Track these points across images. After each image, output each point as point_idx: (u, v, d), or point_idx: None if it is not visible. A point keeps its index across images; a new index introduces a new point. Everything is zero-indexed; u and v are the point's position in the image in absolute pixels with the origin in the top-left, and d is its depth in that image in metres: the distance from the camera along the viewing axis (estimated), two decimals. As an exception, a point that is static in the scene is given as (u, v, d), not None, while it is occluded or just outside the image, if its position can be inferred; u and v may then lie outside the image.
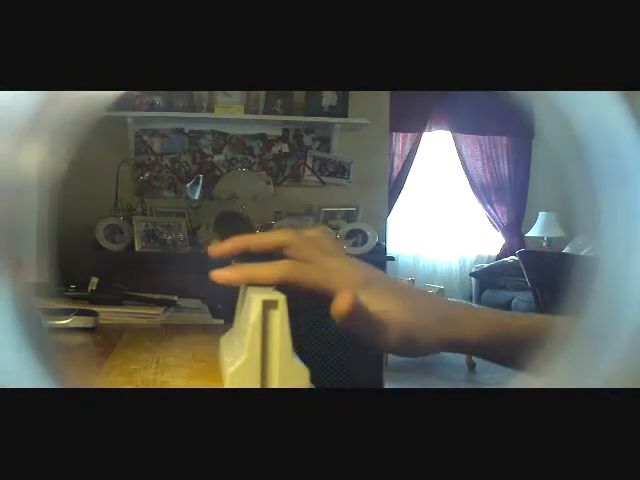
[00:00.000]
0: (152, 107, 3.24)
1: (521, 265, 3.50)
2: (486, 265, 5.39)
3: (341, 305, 0.43)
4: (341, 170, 3.46)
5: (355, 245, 3.12)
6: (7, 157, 0.29)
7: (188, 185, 3.32)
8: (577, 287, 0.31)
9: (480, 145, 5.50)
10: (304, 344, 2.88)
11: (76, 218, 2.82)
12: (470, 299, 5.24)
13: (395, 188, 5.29)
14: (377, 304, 0.46)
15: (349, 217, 3.34)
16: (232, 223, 0.65)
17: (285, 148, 3.46)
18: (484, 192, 5.53)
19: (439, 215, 5.68)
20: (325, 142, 3.46)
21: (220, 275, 0.45)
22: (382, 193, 3.61)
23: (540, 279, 3.23)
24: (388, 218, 3.92)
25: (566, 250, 4.66)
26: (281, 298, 0.54)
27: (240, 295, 0.69)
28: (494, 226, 5.60)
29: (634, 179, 0.30)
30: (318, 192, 3.44)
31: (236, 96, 3.28)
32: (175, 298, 1.32)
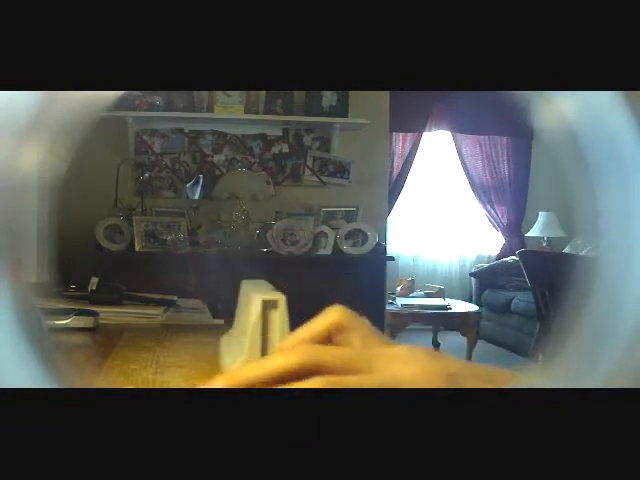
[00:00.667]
0: (152, 107, 3.24)
1: (521, 265, 3.50)
2: (486, 265, 5.39)
3: None
4: (341, 170, 3.46)
5: (355, 245, 3.12)
6: (7, 157, 0.29)
7: (188, 185, 3.33)
8: (577, 287, 0.31)
9: (480, 145, 5.50)
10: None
11: (76, 218, 2.82)
12: (470, 299, 5.25)
13: (395, 188, 5.29)
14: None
15: (349, 217, 3.34)
16: None
17: (285, 148, 3.46)
18: (484, 192, 5.54)
19: (439, 215, 5.68)
20: (325, 142, 3.46)
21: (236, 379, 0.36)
22: (382, 193, 3.61)
23: (540, 279, 3.24)
24: (388, 218, 3.92)
25: (566, 250, 4.67)
26: (281, 298, 0.54)
27: (240, 295, 0.69)
28: (494, 226, 5.60)
29: (634, 179, 0.30)
30: (318, 192, 3.44)
31: (236, 96, 3.28)
32: (175, 298, 1.32)
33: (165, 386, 0.63)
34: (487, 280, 5.18)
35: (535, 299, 3.26)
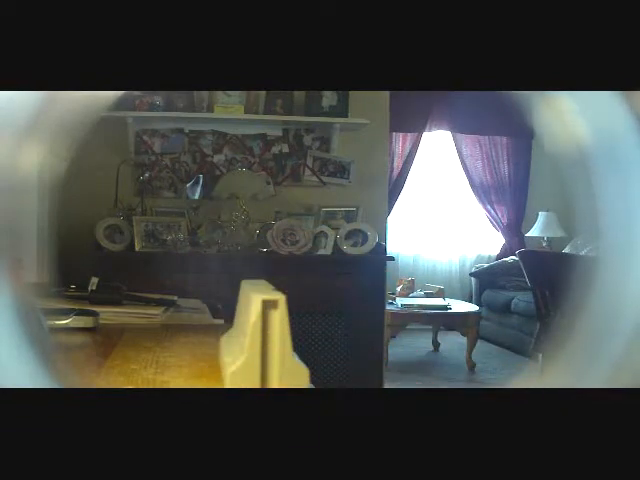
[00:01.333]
0: (152, 107, 3.23)
1: (521, 265, 3.50)
2: (486, 265, 5.39)
3: None
4: (341, 170, 3.46)
5: (355, 245, 3.12)
6: (7, 157, 0.29)
7: (188, 185, 3.32)
8: (577, 287, 0.31)
9: (480, 145, 5.50)
10: (304, 343, 2.88)
11: (76, 218, 2.82)
12: (470, 299, 5.25)
13: (395, 188, 5.29)
14: None
15: (349, 217, 3.34)
16: None
17: (285, 148, 3.46)
18: (484, 192, 5.54)
19: (439, 215, 5.68)
20: (325, 142, 3.46)
21: None
22: (382, 193, 3.61)
23: (540, 279, 3.23)
24: (388, 218, 3.92)
25: (566, 250, 4.67)
26: (281, 298, 0.54)
27: (240, 295, 0.69)
28: (494, 226, 5.60)
29: (634, 179, 0.30)
30: (318, 192, 3.44)
31: (236, 96, 3.28)
32: (175, 298, 1.32)
33: (165, 386, 0.63)
34: (487, 280, 5.18)
35: (535, 299, 3.26)
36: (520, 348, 4.40)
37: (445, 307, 4.21)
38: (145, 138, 3.35)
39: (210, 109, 3.30)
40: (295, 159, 3.46)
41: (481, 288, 5.22)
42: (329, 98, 3.33)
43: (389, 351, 4.07)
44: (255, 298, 0.55)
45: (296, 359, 0.54)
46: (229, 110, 3.29)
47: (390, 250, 3.68)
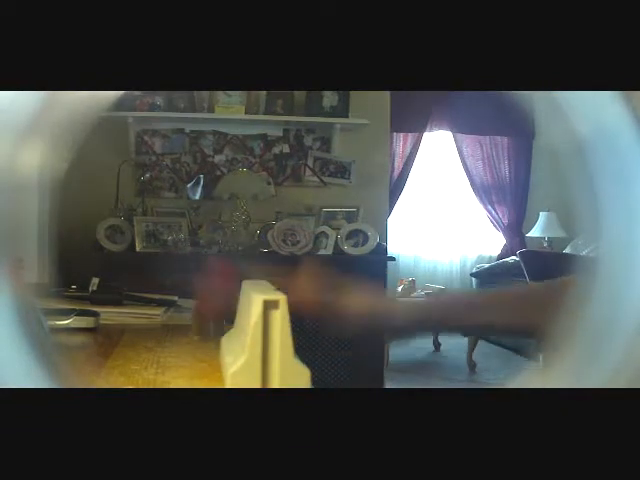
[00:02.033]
0: (153, 107, 3.24)
1: (522, 265, 3.49)
2: (487, 265, 5.39)
3: None
4: (342, 170, 3.46)
5: (356, 245, 3.12)
6: (8, 157, 0.29)
7: (189, 185, 3.32)
8: (577, 287, 0.31)
9: (481, 145, 5.50)
10: (305, 344, 2.87)
11: (77, 218, 2.82)
12: (471, 299, 5.23)
13: (396, 188, 5.29)
14: None
15: (350, 217, 3.33)
16: None
17: (286, 148, 3.46)
18: (485, 192, 5.53)
19: (440, 215, 5.68)
20: (326, 142, 3.46)
21: None
22: (383, 193, 3.61)
23: (541, 279, 3.23)
24: (389, 218, 3.92)
25: (567, 250, 4.66)
26: (282, 298, 0.54)
27: (241, 295, 0.69)
28: (495, 226, 5.60)
29: (634, 179, 0.30)
30: (319, 192, 3.44)
31: (237, 96, 3.28)
32: (175, 298, 1.32)
33: (166, 386, 0.63)
34: (488, 280, 5.17)
35: (536, 299, 3.25)
36: (520, 348, 4.40)
37: (446, 307, 4.19)
38: (146, 138, 3.35)
39: (211, 109, 3.31)
40: (296, 159, 3.46)
41: (482, 288, 5.21)
42: (330, 98, 3.33)
43: (389, 351, 4.07)
44: (256, 298, 0.55)
45: (297, 359, 0.54)
46: (230, 110, 3.30)
47: (391, 250, 3.68)
